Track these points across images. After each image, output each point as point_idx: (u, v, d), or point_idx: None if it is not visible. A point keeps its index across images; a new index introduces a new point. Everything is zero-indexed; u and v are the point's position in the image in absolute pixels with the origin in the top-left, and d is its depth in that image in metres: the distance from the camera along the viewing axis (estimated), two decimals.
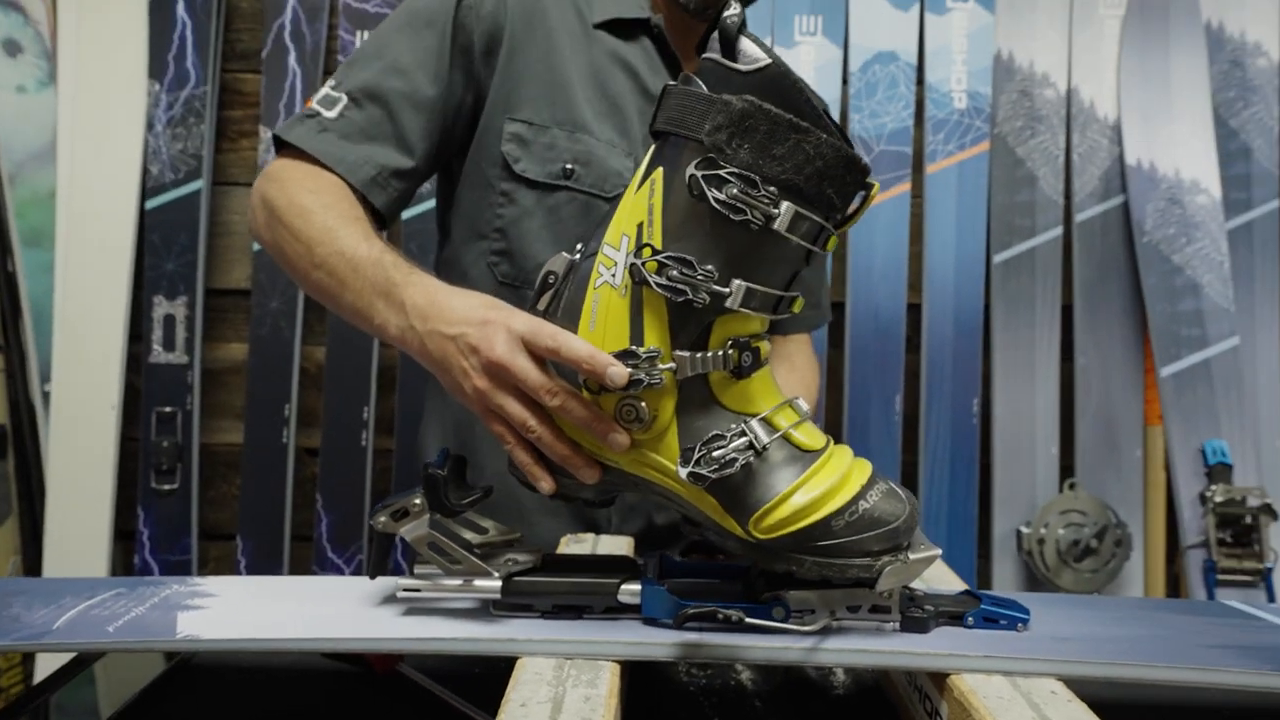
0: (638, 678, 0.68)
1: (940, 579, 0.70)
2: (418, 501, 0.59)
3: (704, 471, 0.53)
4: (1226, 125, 1.40)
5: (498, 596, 0.59)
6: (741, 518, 0.54)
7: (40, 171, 1.39)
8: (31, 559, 1.39)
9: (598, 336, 0.55)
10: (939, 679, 0.54)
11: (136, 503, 1.40)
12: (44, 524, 1.37)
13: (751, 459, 0.53)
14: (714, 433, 0.54)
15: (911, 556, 0.56)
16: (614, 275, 0.55)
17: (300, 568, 1.44)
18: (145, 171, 1.39)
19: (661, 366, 0.54)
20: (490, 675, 0.69)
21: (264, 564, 1.40)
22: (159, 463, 1.37)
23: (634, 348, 0.54)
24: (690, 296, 0.52)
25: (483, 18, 0.84)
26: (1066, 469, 1.39)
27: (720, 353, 0.54)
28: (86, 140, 1.38)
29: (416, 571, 0.61)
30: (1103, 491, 1.35)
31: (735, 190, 0.51)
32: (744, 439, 0.54)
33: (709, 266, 0.52)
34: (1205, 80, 1.38)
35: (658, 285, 0.52)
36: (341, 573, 1.40)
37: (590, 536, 0.82)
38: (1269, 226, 1.39)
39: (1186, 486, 1.32)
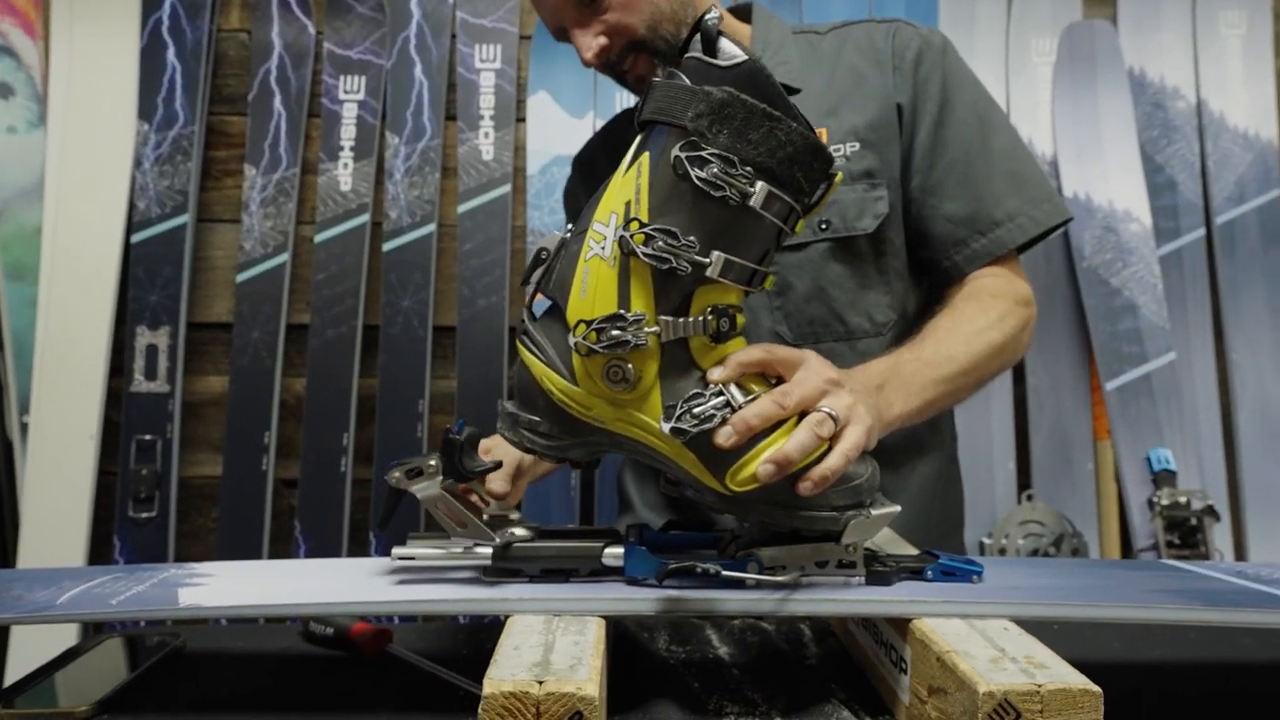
0: (621, 652, 0.71)
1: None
2: (432, 463, 0.63)
3: (685, 426, 0.57)
4: (1153, 161, 1.52)
5: (488, 563, 0.62)
6: (719, 472, 0.59)
7: (27, 208, 1.43)
8: None
9: (587, 304, 0.60)
10: (902, 625, 0.58)
11: (113, 533, 1.40)
12: (16, 554, 1.36)
13: (728, 415, 0.58)
14: (694, 391, 0.59)
15: (873, 512, 0.60)
16: (603, 248, 0.60)
17: None
18: (132, 206, 1.43)
19: (646, 330, 0.59)
20: (478, 655, 0.72)
21: None
22: (137, 491, 1.38)
23: (621, 311, 0.59)
24: (674, 265, 0.58)
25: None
26: (1024, 484, 1.46)
27: (701, 318, 0.59)
28: (74, 178, 1.42)
29: (410, 541, 0.65)
30: (1058, 503, 1.41)
31: (715, 169, 0.57)
32: (721, 398, 0.59)
33: (691, 238, 0.58)
34: (1131, 120, 1.50)
35: (644, 255, 0.58)
36: None
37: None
38: (1197, 252, 1.50)
39: (1135, 493, 1.39)
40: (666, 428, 0.57)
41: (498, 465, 0.63)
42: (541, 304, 0.64)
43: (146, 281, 1.42)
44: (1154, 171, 1.51)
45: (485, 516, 0.65)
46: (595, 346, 0.58)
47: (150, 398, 1.40)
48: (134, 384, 1.41)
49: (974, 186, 0.86)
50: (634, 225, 0.58)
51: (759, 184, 0.57)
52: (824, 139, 0.88)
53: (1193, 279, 1.48)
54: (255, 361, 1.44)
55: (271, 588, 0.64)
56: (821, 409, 0.60)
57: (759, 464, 0.57)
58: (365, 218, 1.48)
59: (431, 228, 1.48)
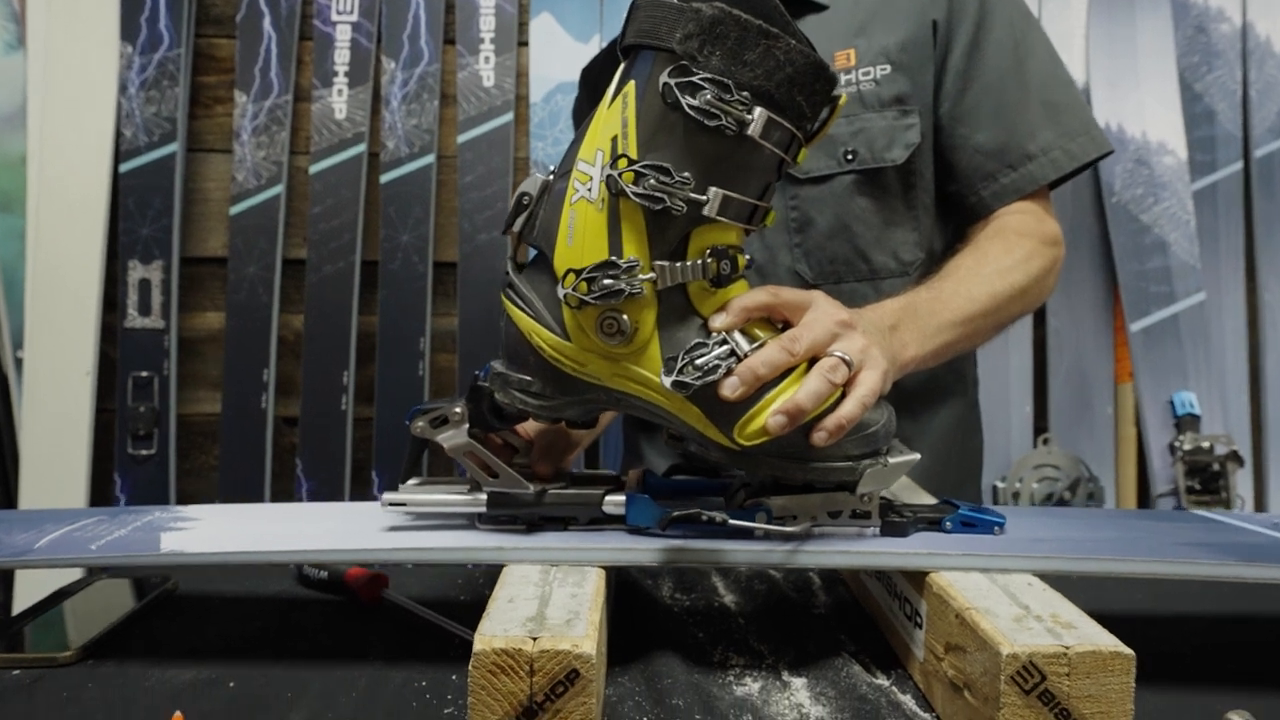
0: (623, 600, 0.69)
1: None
2: (458, 410, 0.60)
3: (687, 379, 0.53)
4: (1191, 89, 1.43)
5: (483, 509, 0.59)
6: (725, 426, 0.55)
7: (10, 136, 1.37)
8: None
9: (575, 251, 0.55)
10: (918, 579, 0.55)
11: (114, 471, 1.38)
12: (18, 492, 1.35)
13: (734, 365, 0.54)
14: (696, 341, 0.55)
15: (890, 460, 0.57)
16: (590, 190, 0.55)
17: None
18: (119, 134, 1.37)
19: (641, 277, 0.54)
20: (476, 601, 0.70)
21: None
22: (136, 428, 1.36)
23: (613, 259, 0.54)
24: (668, 204, 0.53)
25: None
26: (1040, 427, 1.42)
27: (699, 262, 0.55)
28: (58, 103, 1.36)
29: (402, 487, 0.62)
30: (1075, 447, 1.38)
31: (709, 96, 0.52)
32: (725, 347, 0.54)
33: (685, 174, 0.53)
34: (1170, 46, 1.41)
35: (635, 195, 0.53)
36: None
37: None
38: (1233, 187, 1.43)
39: (1156, 438, 1.35)
40: (668, 382, 0.54)
41: (523, 415, 0.60)
42: (525, 252, 0.59)
43: (137, 214, 1.37)
44: (1192, 101, 1.42)
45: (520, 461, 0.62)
46: (586, 298, 0.54)
47: (145, 334, 1.37)
48: (128, 319, 1.37)
49: (1006, 116, 0.80)
50: (622, 163, 0.53)
51: (757, 110, 0.52)
52: (851, 61, 0.82)
53: (1227, 215, 1.41)
54: (252, 297, 1.40)
55: (258, 533, 0.61)
56: (833, 353, 0.55)
57: (768, 416, 0.53)
58: (361, 148, 1.42)
59: (430, 159, 1.42)
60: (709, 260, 0.55)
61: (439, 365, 1.46)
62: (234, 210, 1.41)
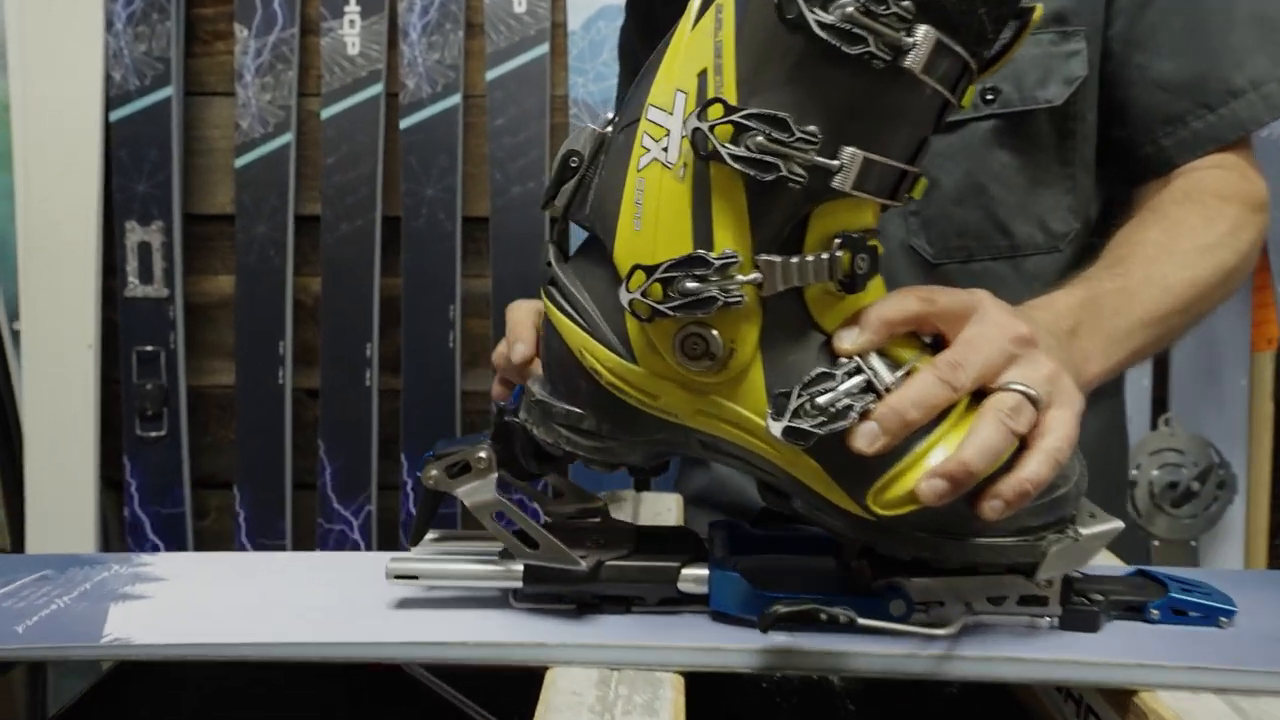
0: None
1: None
2: (483, 455, 0.45)
3: (806, 426, 0.38)
4: None
5: (519, 584, 0.45)
6: (856, 487, 0.39)
7: None
8: (15, 512, 1.28)
9: (646, 240, 0.39)
10: (1120, 697, 0.40)
11: (122, 454, 1.28)
12: (24, 474, 1.25)
13: (871, 405, 0.38)
14: (818, 370, 0.39)
15: (1084, 532, 0.41)
16: (666, 149, 0.39)
17: (305, 517, 1.32)
18: (107, 78, 1.22)
19: (741, 278, 0.38)
20: (510, 675, 0.56)
21: (265, 514, 1.28)
22: (143, 408, 1.24)
23: (701, 253, 0.38)
24: (782, 172, 0.37)
25: None
26: (1160, 405, 1.23)
27: (825, 256, 0.38)
28: (39, 43, 1.21)
29: (413, 550, 0.48)
30: (1201, 428, 1.19)
31: (849, 9, 0.35)
32: (859, 378, 0.38)
33: (810, 128, 0.36)
34: None
35: (733, 159, 0.37)
36: (349, 526, 1.28)
37: (629, 495, 0.68)
38: None
39: None
40: (777, 429, 0.38)
41: (570, 457, 0.44)
42: (577, 235, 0.43)
43: (131, 168, 1.23)
44: None
45: (560, 516, 0.48)
46: (661, 306, 0.38)
47: (148, 303, 1.24)
48: (128, 288, 1.24)
49: (1203, 38, 0.60)
50: (715, 111, 0.37)
51: (920, 30, 0.35)
52: None
53: None
54: (263, 259, 1.26)
55: (231, 604, 0.47)
56: (1012, 386, 0.39)
57: (921, 478, 0.38)
58: (378, 88, 1.25)
59: (456, 99, 1.25)
60: (839, 254, 0.38)
61: (471, 332, 1.32)
62: (239, 162, 1.26)
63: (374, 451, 1.29)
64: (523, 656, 0.42)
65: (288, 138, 1.26)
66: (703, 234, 0.38)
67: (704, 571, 0.44)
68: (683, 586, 0.44)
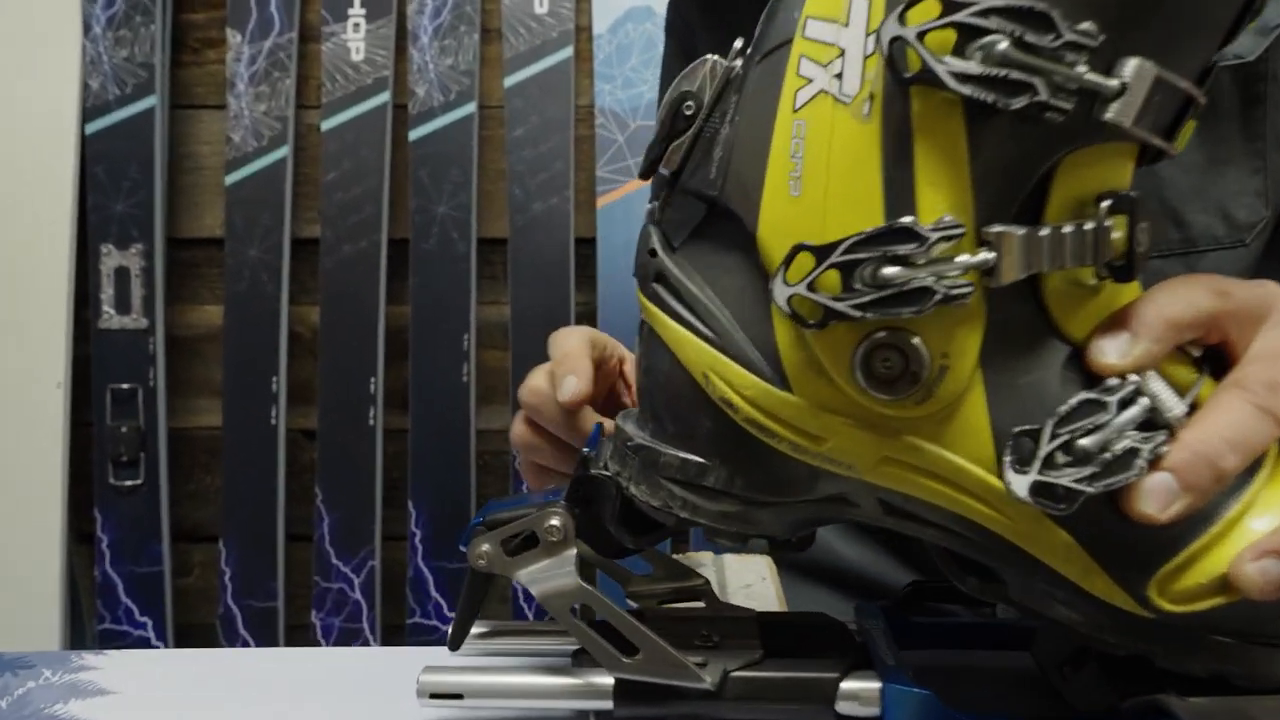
0: None
1: None
2: (557, 523, 0.31)
3: (1067, 481, 0.25)
4: None
5: (606, 705, 0.32)
6: (1131, 572, 0.27)
7: None
8: None
9: (810, 208, 0.27)
10: None
11: (93, 506, 1.14)
12: None
13: (1161, 447, 0.25)
14: (1081, 398, 0.26)
15: None
16: (839, 77, 0.27)
17: (299, 574, 1.18)
18: (84, 87, 1.11)
19: (967, 259, 0.25)
20: None
21: (255, 571, 1.14)
22: (117, 453, 1.10)
23: (907, 222, 0.25)
24: (1042, 98, 0.24)
25: None
26: None
27: (1090, 226, 0.26)
28: (9, 47, 1.10)
29: (453, 654, 0.34)
30: None
31: None
32: (1137, 408, 0.26)
33: (1085, 25, 0.24)
34: None
35: (958, 80, 0.24)
36: (349, 584, 1.13)
37: (708, 558, 0.55)
38: None
39: None
40: (1021, 485, 0.25)
41: (684, 526, 0.31)
42: (686, 209, 0.30)
43: (109, 185, 1.11)
44: None
45: (661, 601, 0.35)
46: (842, 304, 0.26)
47: (124, 335, 1.11)
48: (103, 319, 1.11)
49: None
50: (926, 9, 0.25)
51: None
52: None
53: None
54: (254, 286, 1.13)
55: None
56: None
57: (1241, 559, 0.25)
58: (385, 96, 1.14)
59: (471, 108, 1.13)
60: (1107, 223, 0.26)
61: (487, 365, 1.19)
62: (230, 179, 1.14)
63: (378, 499, 1.16)
64: None
65: (284, 152, 1.14)
66: (900, 197, 0.26)
67: (873, 685, 0.31)
68: (843, 708, 0.31)
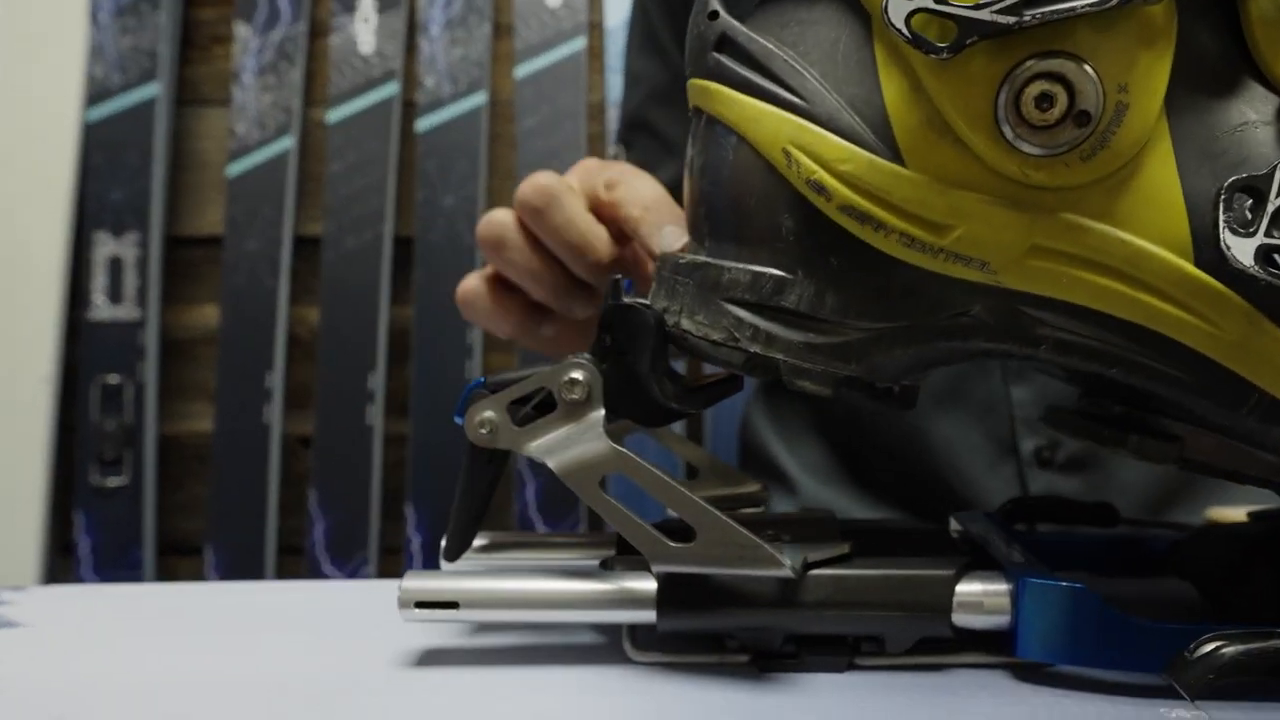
0: None
1: None
2: (580, 377, 0.26)
3: None
4: None
5: (649, 615, 0.26)
6: None
7: None
8: None
9: None
10: None
11: (73, 504, 1.07)
12: None
13: None
14: None
15: None
16: None
17: None
18: (88, 74, 1.08)
19: None
20: None
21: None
22: (102, 450, 1.05)
23: None
24: None
25: None
26: None
27: None
28: (14, 31, 1.07)
29: (445, 566, 0.29)
30: None
31: None
32: None
33: None
34: None
35: None
36: None
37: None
38: None
39: None
40: (1246, 251, 0.20)
41: (755, 370, 0.25)
42: None
43: (107, 173, 1.07)
44: None
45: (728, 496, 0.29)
46: (981, 11, 0.20)
47: (116, 328, 1.07)
48: (93, 309, 1.07)
49: None
50: None
51: None
52: None
53: None
54: (253, 281, 1.09)
55: (127, 667, 0.28)
56: None
57: None
58: (393, 88, 1.11)
59: (481, 99, 1.11)
60: None
61: (494, 365, 1.14)
62: (232, 170, 1.11)
63: (374, 506, 1.09)
64: None
65: (288, 143, 1.11)
66: None
67: (1000, 586, 0.25)
68: (961, 618, 0.24)
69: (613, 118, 1.12)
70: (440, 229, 1.10)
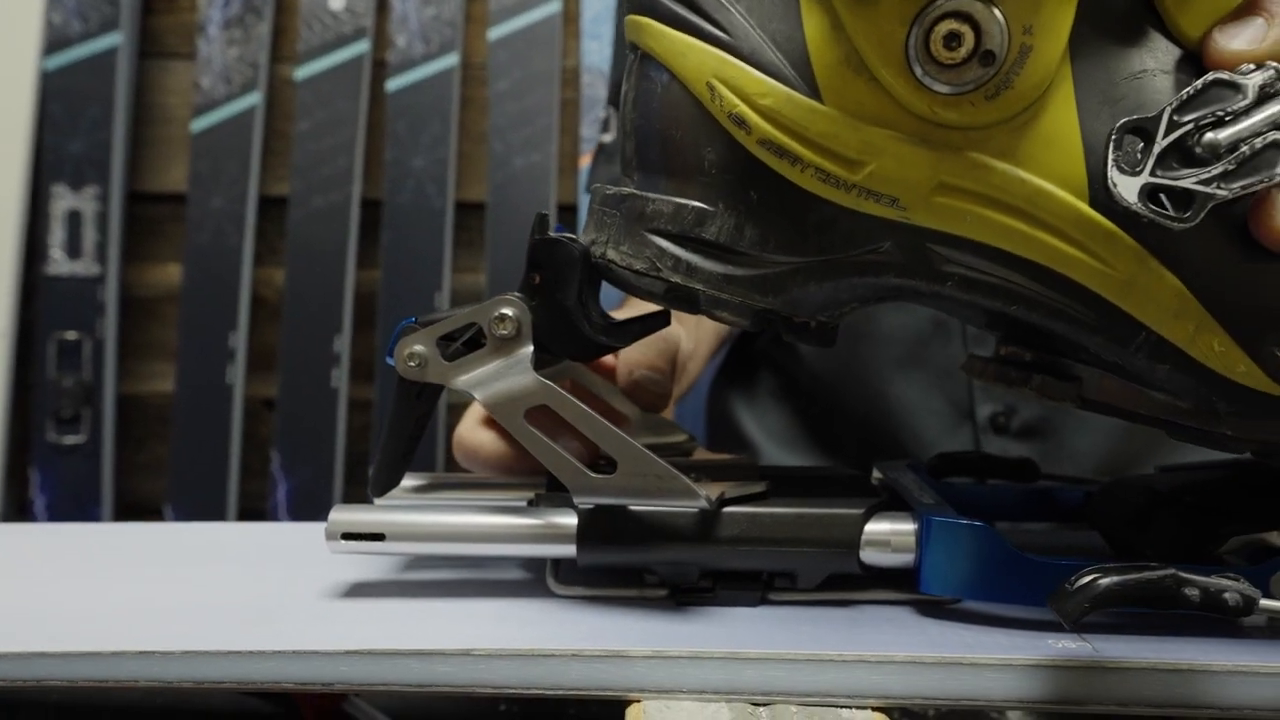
0: None
1: None
2: (509, 313, 0.26)
3: (1192, 184, 0.20)
4: None
5: (569, 549, 0.26)
6: (1262, 331, 0.21)
7: None
8: None
9: None
10: None
11: (30, 461, 1.06)
12: None
13: None
14: (1212, 77, 0.21)
15: None
16: None
17: None
18: (47, 22, 1.05)
19: None
20: (553, 715, 0.36)
21: None
22: (59, 408, 1.03)
23: None
24: None
25: None
26: None
27: None
28: None
29: (377, 500, 0.28)
30: None
31: None
32: (1274, 108, 0.20)
33: None
34: None
35: None
36: None
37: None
38: None
39: None
40: (1130, 188, 0.20)
41: (679, 302, 0.25)
42: None
43: (66, 123, 1.05)
44: None
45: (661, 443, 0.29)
46: None
47: (74, 283, 1.05)
48: (50, 264, 1.05)
49: None
50: None
51: None
52: None
53: None
54: (217, 239, 1.07)
55: (77, 600, 0.28)
56: None
57: None
58: (364, 46, 1.09)
59: (453, 60, 1.09)
60: None
61: None
62: (197, 125, 1.09)
63: (338, 469, 1.09)
64: (586, 680, 0.22)
65: (254, 99, 1.09)
66: None
67: (906, 526, 0.25)
68: (868, 555, 0.25)
69: (586, 83, 1.11)
70: (409, 190, 1.09)
